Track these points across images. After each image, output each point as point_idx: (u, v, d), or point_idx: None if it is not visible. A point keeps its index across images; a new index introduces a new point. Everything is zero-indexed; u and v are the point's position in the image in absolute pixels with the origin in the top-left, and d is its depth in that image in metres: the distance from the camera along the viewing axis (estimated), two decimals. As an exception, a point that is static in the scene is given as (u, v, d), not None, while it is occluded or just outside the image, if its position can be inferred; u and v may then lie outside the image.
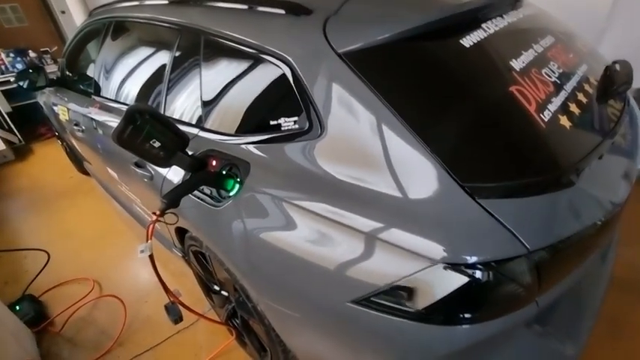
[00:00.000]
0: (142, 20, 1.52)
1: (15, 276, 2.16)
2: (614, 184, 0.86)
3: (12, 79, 3.66)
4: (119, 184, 1.85)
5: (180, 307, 1.07)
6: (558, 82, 0.90)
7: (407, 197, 0.69)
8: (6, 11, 4.07)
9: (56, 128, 2.89)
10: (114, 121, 1.59)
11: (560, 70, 0.94)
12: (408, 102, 0.75)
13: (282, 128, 0.88)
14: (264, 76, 0.94)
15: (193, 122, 1.17)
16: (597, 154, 0.81)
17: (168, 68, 1.30)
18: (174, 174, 1.18)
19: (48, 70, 2.61)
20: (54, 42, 4.41)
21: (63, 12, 4.36)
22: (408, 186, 0.69)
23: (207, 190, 1.04)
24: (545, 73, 0.90)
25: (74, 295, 1.93)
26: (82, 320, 1.82)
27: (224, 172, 0.98)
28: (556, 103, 0.84)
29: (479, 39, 0.86)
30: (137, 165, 1.39)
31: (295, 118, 0.85)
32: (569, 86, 0.92)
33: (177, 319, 1.06)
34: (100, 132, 1.72)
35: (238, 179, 0.95)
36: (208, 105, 1.11)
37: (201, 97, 1.14)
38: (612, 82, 0.96)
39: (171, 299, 1.05)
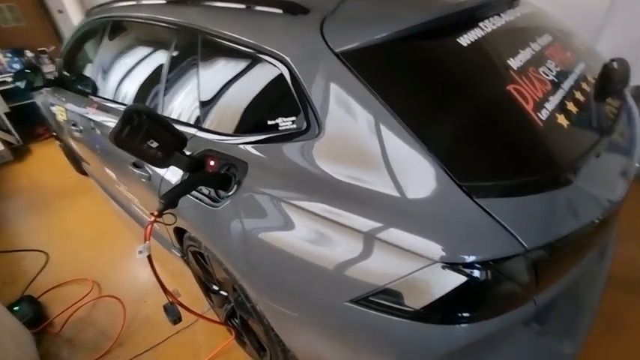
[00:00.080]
0: (139, 20, 1.52)
1: (14, 277, 2.16)
2: (611, 182, 0.86)
3: (9, 80, 3.67)
4: (117, 184, 1.85)
5: (179, 308, 1.07)
6: (556, 80, 0.90)
7: (405, 197, 0.69)
8: (3, 11, 4.06)
9: (54, 128, 2.88)
10: (112, 122, 1.59)
11: (558, 69, 0.94)
12: (405, 101, 0.75)
13: (280, 128, 0.88)
14: (261, 76, 0.94)
15: (191, 122, 1.16)
16: (595, 152, 0.81)
17: (165, 68, 1.30)
18: (172, 174, 1.18)
19: (45, 70, 2.60)
20: (51, 42, 4.39)
21: (60, 11, 4.35)
22: (406, 185, 0.69)
23: (205, 190, 1.04)
24: (543, 71, 0.90)
25: (73, 295, 1.93)
26: (82, 321, 1.82)
27: (222, 172, 0.98)
28: (553, 101, 0.84)
29: (476, 38, 0.86)
30: (135, 165, 1.39)
31: (293, 118, 0.85)
32: (566, 85, 0.92)
33: (177, 319, 1.06)
34: (98, 132, 1.72)
35: (236, 179, 0.95)
36: (206, 105, 1.11)
37: (198, 97, 1.14)
38: (610, 80, 0.96)
39: (170, 300, 1.05)
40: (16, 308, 1.82)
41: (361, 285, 0.72)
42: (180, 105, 1.24)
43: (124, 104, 1.59)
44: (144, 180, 1.34)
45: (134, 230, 2.22)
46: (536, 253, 0.65)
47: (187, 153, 0.98)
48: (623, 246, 1.29)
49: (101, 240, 2.39)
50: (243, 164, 0.95)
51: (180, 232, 1.39)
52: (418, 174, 0.68)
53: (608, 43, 2.09)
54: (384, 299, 0.70)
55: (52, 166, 3.53)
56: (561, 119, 0.81)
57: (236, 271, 1.04)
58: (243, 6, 1.06)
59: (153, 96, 1.36)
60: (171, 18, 1.28)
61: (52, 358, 1.65)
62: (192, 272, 1.61)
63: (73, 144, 2.37)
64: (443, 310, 0.67)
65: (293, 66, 0.84)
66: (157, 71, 1.34)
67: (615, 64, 0.96)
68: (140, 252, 0.91)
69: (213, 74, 1.10)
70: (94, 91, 1.83)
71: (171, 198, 0.88)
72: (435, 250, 0.64)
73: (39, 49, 4.28)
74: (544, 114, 0.79)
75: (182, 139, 0.89)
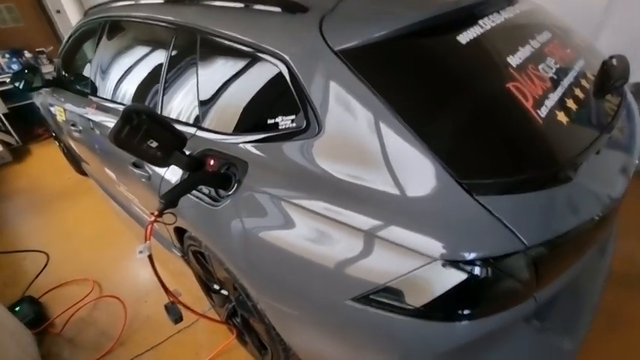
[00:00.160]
0: (138, 20, 1.51)
1: (14, 277, 2.16)
2: (611, 179, 0.86)
3: (8, 80, 3.66)
4: (117, 184, 1.85)
5: (180, 307, 1.08)
6: (555, 77, 0.90)
7: (405, 195, 0.69)
8: (1, 11, 4.05)
9: (53, 129, 2.88)
10: (111, 121, 1.59)
11: (557, 66, 0.94)
12: (405, 99, 0.75)
13: (280, 127, 0.88)
14: (260, 75, 0.93)
15: (191, 122, 1.16)
16: (595, 149, 0.81)
17: (164, 68, 1.29)
18: (172, 174, 1.18)
19: (44, 71, 2.60)
20: (49, 42, 4.39)
21: (58, 11, 4.34)
22: (406, 183, 0.69)
23: (205, 189, 1.04)
24: (542, 68, 0.90)
25: (74, 295, 1.93)
26: (83, 321, 1.82)
27: (222, 172, 0.98)
28: (553, 98, 0.84)
29: (475, 35, 0.86)
30: (135, 165, 1.38)
31: (293, 117, 0.85)
32: (566, 82, 0.92)
33: (178, 318, 1.06)
34: (97, 132, 1.72)
35: (236, 178, 0.95)
36: (205, 104, 1.11)
37: (198, 96, 1.14)
38: (609, 76, 0.96)
39: (171, 299, 1.05)
40: (17, 309, 1.82)
41: (362, 283, 0.72)
42: (179, 104, 1.24)
43: (123, 104, 1.58)
44: (144, 180, 1.34)
45: (134, 230, 2.22)
46: (537, 250, 0.65)
47: (187, 152, 0.98)
48: (624, 242, 1.29)
49: (101, 240, 2.39)
50: (243, 163, 0.95)
51: (180, 232, 1.39)
52: (418, 172, 0.68)
53: (608, 40, 2.09)
54: (384, 297, 0.70)
55: (52, 166, 3.53)
56: (561, 116, 0.81)
57: (237, 270, 1.04)
58: (241, 5, 1.06)
59: (152, 95, 1.36)
60: (169, 17, 1.27)
61: (54, 358, 1.66)
62: (192, 272, 1.61)
63: (73, 144, 2.37)
64: (444, 308, 0.67)
65: (292, 65, 0.84)
66: (156, 71, 1.34)
67: (614, 61, 0.97)
68: (140, 252, 0.91)
69: (213, 73, 1.10)
70: (93, 91, 1.83)
71: (171, 198, 0.88)
72: (435, 247, 0.64)
73: (37, 49, 4.27)
74: (543, 111, 0.79)
75: (182, 139, 0.89)
